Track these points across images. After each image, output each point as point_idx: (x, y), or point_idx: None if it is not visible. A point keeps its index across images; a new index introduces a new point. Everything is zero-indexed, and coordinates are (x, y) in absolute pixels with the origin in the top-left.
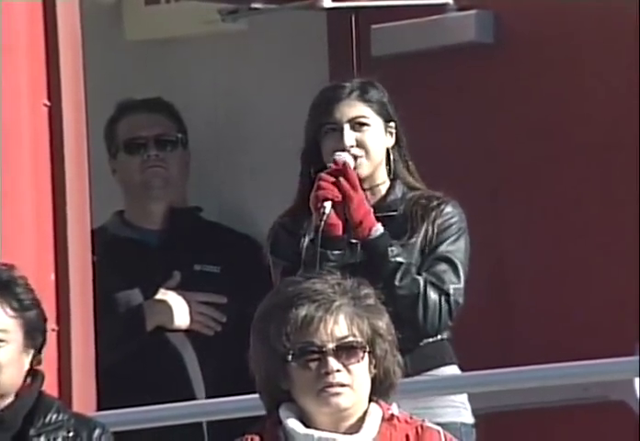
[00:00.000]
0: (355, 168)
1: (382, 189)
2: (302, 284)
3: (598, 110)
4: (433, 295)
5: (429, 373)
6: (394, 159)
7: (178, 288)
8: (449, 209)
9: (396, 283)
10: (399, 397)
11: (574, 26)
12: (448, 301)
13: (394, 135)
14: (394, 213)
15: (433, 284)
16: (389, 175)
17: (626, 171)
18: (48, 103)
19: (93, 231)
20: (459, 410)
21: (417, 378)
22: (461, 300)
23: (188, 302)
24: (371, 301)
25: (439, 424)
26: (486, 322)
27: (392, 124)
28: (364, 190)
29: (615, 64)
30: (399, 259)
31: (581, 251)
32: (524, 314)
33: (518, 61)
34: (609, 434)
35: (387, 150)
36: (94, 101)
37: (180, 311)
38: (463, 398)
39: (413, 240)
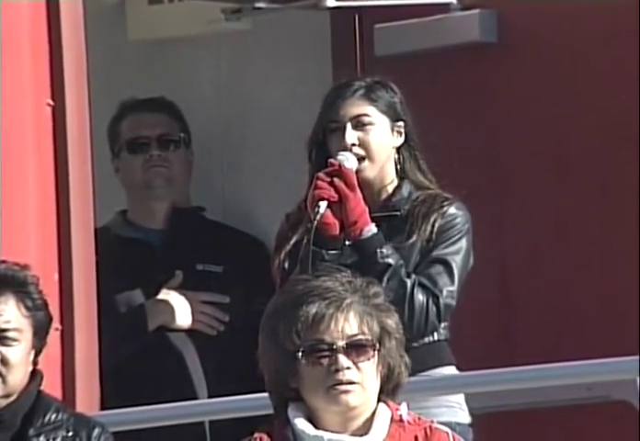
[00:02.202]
0: (359, 171)
1: (390, 189)
2: (311, 282)
3: (600, 109)
4: (421, 297)
5: (426, 373)
6: (402, 158)
7: (181, 288)
8: (452, 210)
9: (383, 284)
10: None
11: (576, 25)
12: (436, 304)
13: (402, 134)
14: (397, 213)
15: (423, 286)
16: (397, 174)
17: (628, 169)
18: (51, 102)
19: (96, 231)
20: (455, 410)
21: (415, 378)
22: (453, 303)
23: (191, 302)
24: (380, 300)
25: None
26: (489, 322)
27: (400, 123)
28: (362, 190)
29: (617, 63)
30: (388, 261)
31: (583, 250)
32: (526, 314)
33: (521, 60)
34: (611, 433)
35: (396, 149)
36: (97, 101)
37: (182, 311)
38: (460, 398)
39: (413, 240)
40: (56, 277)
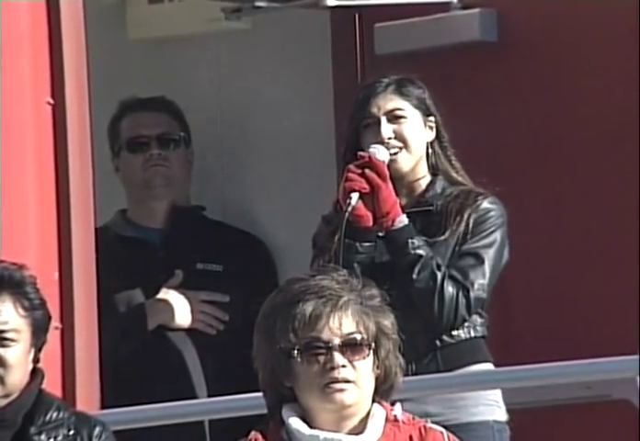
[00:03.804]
0: (392, 162)
1: (423, 184)
2: (308, 281)
3: (600, 108)
4: (450, 289)
5: (461, 370)
6: (435, 153)
7: (181, 287)
8: (485, 204)
9: (414, 276)
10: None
11: (577, 24)
12: (466, 296)
13: (434, 130)
14: (430, 208)
15: (454, 278)
16: (430, 169)
17: (628, 167)
18: (51, 101)
19: (96, 230)
20: (492, 408)
21: (409, 378)
22: (484, 296)
23: (191, 301)
24: (376, 302)
25: (471, 422)
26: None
27: (431, 119)
28: (394, 184)
29: (617, 62)
30: (419, 252)
31: (583, 249)
32: (526, 313)
33: (521, 59)
34: (612, 432)
35: (428, 144)
36: (97, 99)
37: (182, 310)
38: (497, 396)
39: (446, 236)
40: (56, 275)
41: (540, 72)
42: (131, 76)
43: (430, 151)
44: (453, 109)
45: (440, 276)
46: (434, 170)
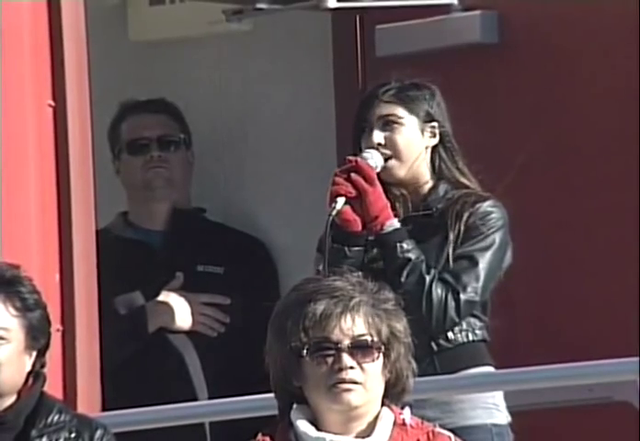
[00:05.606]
0: (384, 169)
1: (426, 189)
2: (322, 281)
3: (601, 108)
4: (439, 291)
5: (461, 373)
6: (440, 158)
7: (181, 289)
8: (485, 207)
9: (402, 279)
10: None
11: (578, 25)
12: (456, 299)
13: (437, 135)
14: (430, 212)
15: (444, 281)
16: (434, 174)
17: (628, 169)
18: (52, 103)
19: (97, 233)
20: (491, 411)
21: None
22: (476, 299)
23: (191, 303)
24: (389, 306)
25: (469, 426)
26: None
27: (433, 124)
28: (384, 186)
29: (617, 63)
30: (408, 255)
31: (584, 251)
32: (527, 315)
33: (522, 61)
34: (612, 434)
35: (429, 150)
36: (98, 101)
37: (183, 313)
38: (497, 399)
39: (444, 239)
40: (57, 277)
41: (541, 73)
42: (132, 78)
43: (433, 156)
44: (454, 110)
45: (428, 279)
46: (439, 175)
